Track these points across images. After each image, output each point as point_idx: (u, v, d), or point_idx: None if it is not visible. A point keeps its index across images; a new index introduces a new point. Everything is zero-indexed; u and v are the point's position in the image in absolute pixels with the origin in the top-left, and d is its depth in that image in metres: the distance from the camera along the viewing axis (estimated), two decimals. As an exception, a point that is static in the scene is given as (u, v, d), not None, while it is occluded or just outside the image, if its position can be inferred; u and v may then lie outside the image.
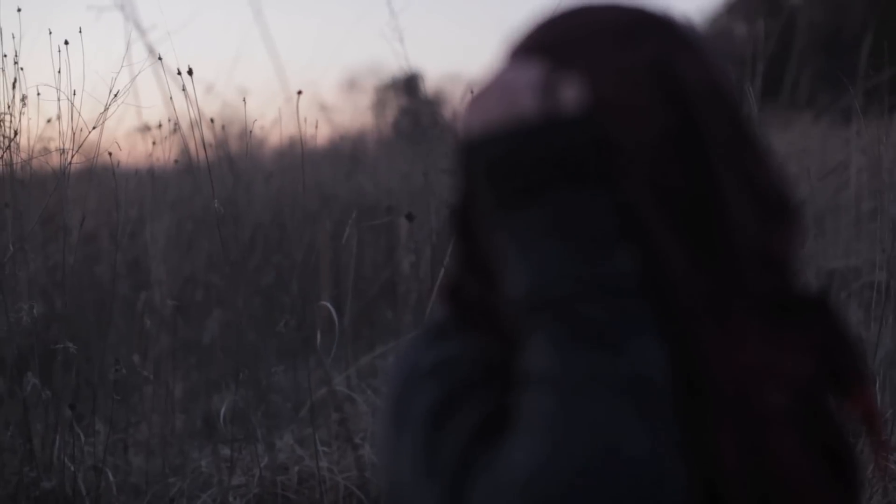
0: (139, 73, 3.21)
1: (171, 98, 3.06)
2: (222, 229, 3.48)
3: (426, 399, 1.02)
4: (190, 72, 3.16)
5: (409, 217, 3.98)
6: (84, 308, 4.13)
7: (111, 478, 3.64)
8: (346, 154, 7.63)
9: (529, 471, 0.88)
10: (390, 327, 5.03)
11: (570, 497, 0.86)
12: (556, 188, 0.97)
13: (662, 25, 1.06)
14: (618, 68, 1.03)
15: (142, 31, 2.42)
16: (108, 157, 3.67)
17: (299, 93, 3.84)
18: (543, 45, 1.07)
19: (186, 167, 4.77)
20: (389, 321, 5.07)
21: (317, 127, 4.37)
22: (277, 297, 5.09)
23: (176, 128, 4.22)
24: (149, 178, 4.63)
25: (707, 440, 0.99)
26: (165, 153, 4.14)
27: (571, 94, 1.01)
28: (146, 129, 4.84)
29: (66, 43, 3.36)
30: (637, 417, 0.89)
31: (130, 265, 4.31)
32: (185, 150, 3.78)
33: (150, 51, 2.53)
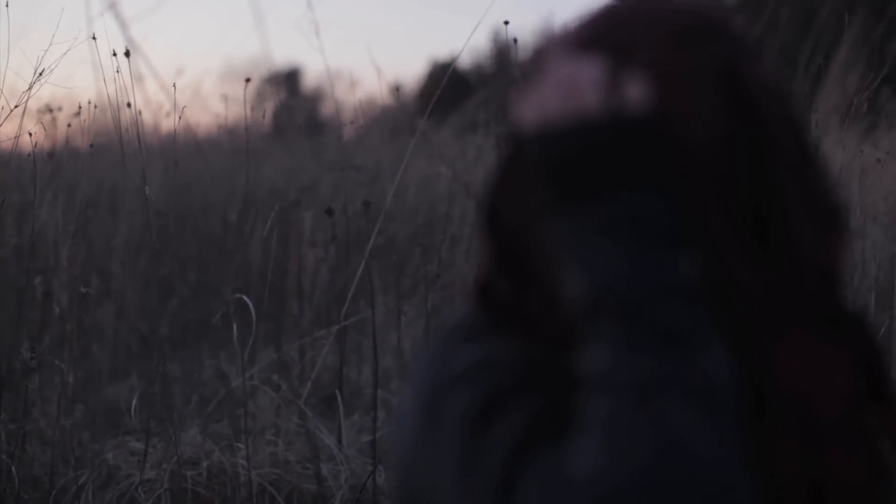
0: (66, 52, 3.12)
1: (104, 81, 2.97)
2: (131, 218, 3.39)
3: (461, 404, 0.99)
4: (127, 53, 3.06)
5: (329, 212, 3.95)
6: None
7: (13, 470, 3.52)
8: (229, 146, 7.50)
9: (596, 472, 0.86)
10: (295, 322, 4.97)
11: (636, 500, 0.85)
12: (619, 188, 0.95)
13: (723, 25, 1.05)
14: (683, 67, 1.02)
15: (112, 6, 2.34)
16: (17, 137, 3.54)
17: (174, 85, 3.80)
18: (602, 39, 1.04)
19: (66, 151, 4.64)
20: (294, 316, 5.01)
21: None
22: (178, 288, 4.99)
23: (79, 111, 4.10)
24: (48, 161, 4.48)
25: (770, 451, 0.98)
26: (82, 136, 4.01)
27: (636, 92, 0.99)
28: (48, 111, 4.69)
29: (-8, 17, 3.23)
30: (706, 422, 0.87)
31: (24, 250, 4.15)
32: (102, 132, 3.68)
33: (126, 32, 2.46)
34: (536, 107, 1.00)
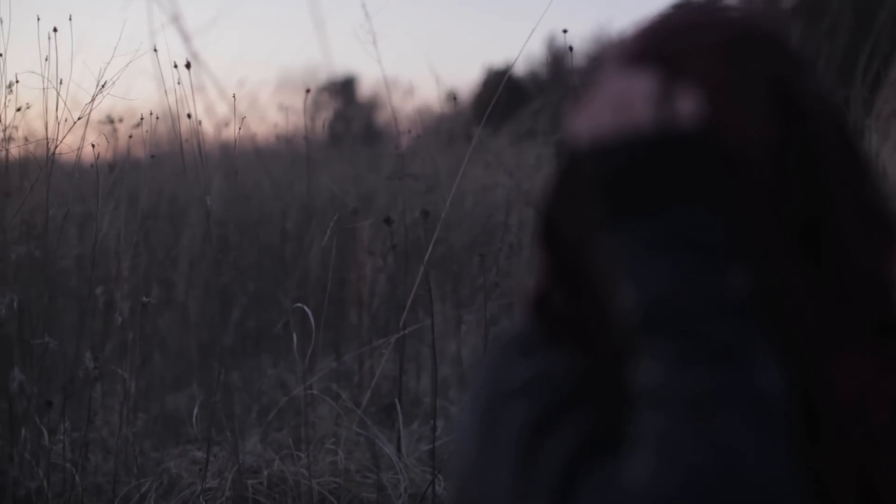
0: (128, 63, 3.14)
1: (164, 92, 2.99)
2: (192, 228, 3.42)
3: (518, 417, 0.99)
4: (188, 65, 3.09)
5: (388, 221, 3.95)
6: (47, 302, 4.01)
7: (77, 479, 3.56)
8: (287, 155, 7.55)
9: (648, 486, 0.87)
10: (355, 331, 4.98)
11: None
12: (672, 202, 0.96)
13: (773, 35, 1.05)
14: (734, 80, 1.01)
15: (174, 20, 2.36)
16: (80, 149, 3.59)
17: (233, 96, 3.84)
18: (653, 52, 1.04)
19: (125, 163, 4.69)
20: (354, 325, 5.03)
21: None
22: (237, 297, 5.02)
23: (140, 121, 4.14)
24: (109, 172, 4.53)
25: (824, 465, 0.97)
26: (143, 146, 4.05)
27: (688, 106, 0.99)
28: (109, 122, 4.74)
29: (55, 30, 3.27)
30: (759, 437, 0.87)
31: (88, 259, 4.20)
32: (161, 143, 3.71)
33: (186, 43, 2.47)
34: (589, 121, 1.01)
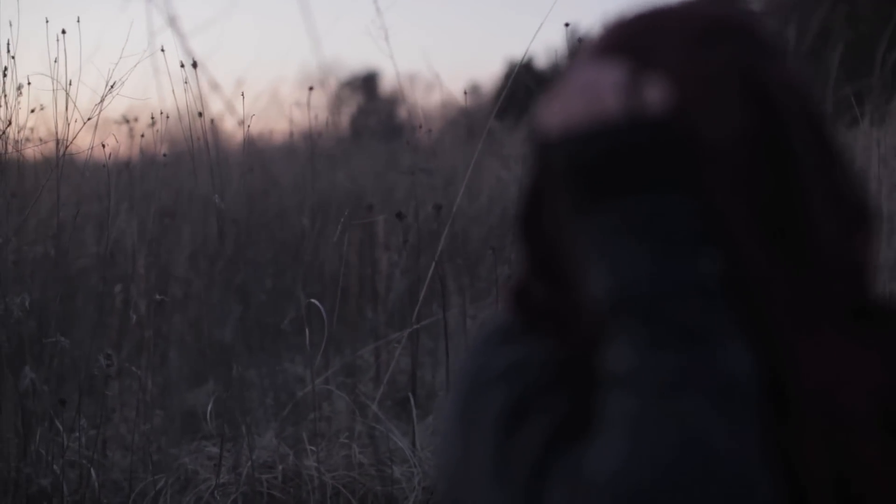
0: (136, 64, 3.17)
1: (173, 91, 3.01)
2: (206, 226, 3.44)
3: (496, 403, 1.01)
4: (195, 64, 3.11)
5: (400, 216, 3.97)
6: (62, 300, 4.05)
7: (93, 475, 3.59)
8: (307, 151, 7.56)
9: (616, 471, 0.87)
10: (370, 325, 5.00)
11: (657, 498, 0.86)
12: (640, 189, 0.97)
13: (744, 26, 1.06)
14: (702, 69, 1.02)
15: (171, 22, 2.38)
16: (91, 148, 3.62)
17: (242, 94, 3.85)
18: (623, 44, 1.06)
19: (146, 161, 4.72)
20: (369, 319, 5.04)
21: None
22: (254, 294, 5.04)
23: (154, 121, 4.17)
24: (124, 171, 4.57)
25: (794, 447, 0.98)
26: (155, 146, 4.08)
27: (656, 94, 1.00)
28: (125, 121, 4.78)
29: (64, 32, 3.30)
30: (727, 419, 0.88)
31: (104, 258, 4.23)
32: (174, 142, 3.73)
33: (178, 44, 2.49)
34: (558, 112, 1.02)
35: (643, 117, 0.99)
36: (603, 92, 1.00)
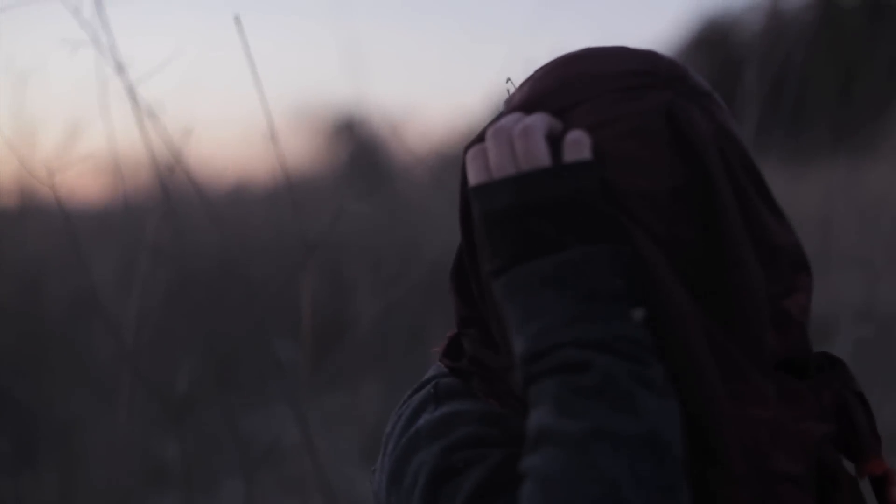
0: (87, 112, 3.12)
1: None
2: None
3: (424, 463, 1.00)
4: (149, 115, 3.02)
5: (380, 263, 3.92)
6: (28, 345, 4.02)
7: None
8: (287, 195, 7.52)
9: None
10: (346, 370, 4.93)
11: None
12: (562, 240, 0.95)
13: (670, 73, 1.04)
14: (624, 117, 1.01)
15: (120, 69, 2.33)
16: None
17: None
18: (547, 92, 1.05)
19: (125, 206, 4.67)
20: (345, 364, 4.97)
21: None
22: (224, 340, 4.98)
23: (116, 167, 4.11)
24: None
25: (723, 491, 0.97)
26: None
27: (576, 142, 0.98)
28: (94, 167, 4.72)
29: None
30: (648, 476, 0.87)
31: (77, 302, 4.20)
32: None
33: (129, 90, 2.44)
34: (478, 160, 1.01)
35: (563, 166, 0.97)
36: (522, 139, 0.99)
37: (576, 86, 1.03)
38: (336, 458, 4.04)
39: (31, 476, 3.67)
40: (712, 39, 12.52)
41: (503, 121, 1.02)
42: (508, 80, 1.14)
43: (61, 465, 3.82)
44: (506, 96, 1.11)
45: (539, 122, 1.00)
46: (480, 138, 1.03)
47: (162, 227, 3.21)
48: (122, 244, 4.28)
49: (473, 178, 1.00)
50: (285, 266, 5.26)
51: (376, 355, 4.99)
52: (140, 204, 4.68)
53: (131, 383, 3.52)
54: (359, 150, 9.55)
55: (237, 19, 2.18)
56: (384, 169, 8.73)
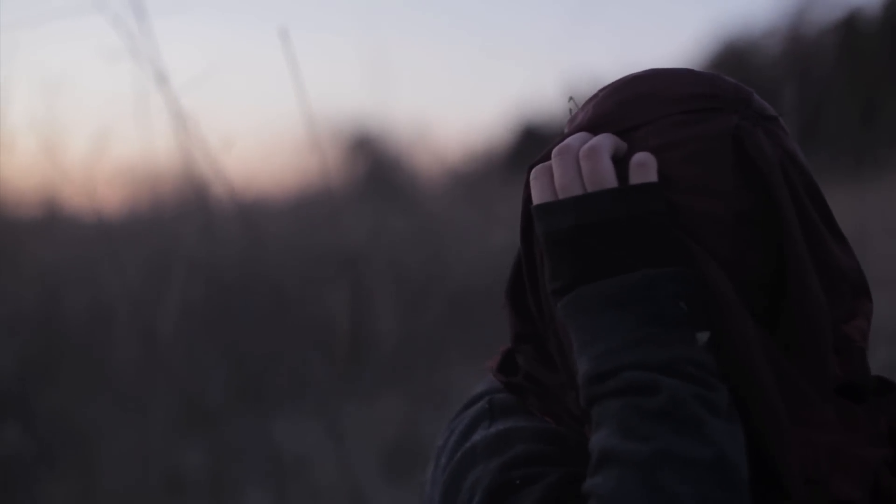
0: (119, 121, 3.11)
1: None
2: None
3: (481, 479, 0.99)
4: (185, 123, 3.03)
5: (403, 274, 3.91)
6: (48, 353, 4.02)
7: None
8: (307, 208, 7.50)
9: None
10: (365, 382, 4.92)
11: None
12: (627, 262, 0.95)
13: (736, 97, 1.03)
14: (690, 140, 1.00)
15: (162, 79, 2.33)
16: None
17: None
18: (611, 112, 1.04)
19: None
20: (366, 376, 4.97)
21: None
22: (248, 352, 4.96)
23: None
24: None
25: None
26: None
27: (642, 164, 0.98)
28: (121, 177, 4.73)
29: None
30: (715, 500, 0.86)
31: (98, 310, 4.19)
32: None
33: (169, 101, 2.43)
34: (543, 181, 1.01)
35: (629, 189, 0.97)
36: (589, 161, 0.98)
37: (640, 107, 1.02)
38: (357, 470, 4.02)
39: (51, 483, 3.65)
40: (730, 62, 12.52)
41: (569, 140, 1.01)
42: (571, 98, 1.12)
43: (81, 472, 3.80)
44: (568, 115, 1.10)
45: (605, 142, 0.99)
46: (545, 157, 1.02)
47: (194, 237, 3.21)
48: (150, 253, 4.27)
49: (538, 197, 1.00)
50: (313, 279, 5.25)
51: (398, 368, 4.98)
52: (168, 213, 4.68)
53: (161, 392, 3.51)
54: (377, 165, 9.58)
55: (283, 32, 2.18)
56: (402, 183, 8.72)
